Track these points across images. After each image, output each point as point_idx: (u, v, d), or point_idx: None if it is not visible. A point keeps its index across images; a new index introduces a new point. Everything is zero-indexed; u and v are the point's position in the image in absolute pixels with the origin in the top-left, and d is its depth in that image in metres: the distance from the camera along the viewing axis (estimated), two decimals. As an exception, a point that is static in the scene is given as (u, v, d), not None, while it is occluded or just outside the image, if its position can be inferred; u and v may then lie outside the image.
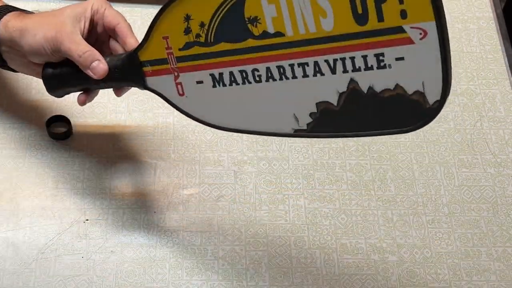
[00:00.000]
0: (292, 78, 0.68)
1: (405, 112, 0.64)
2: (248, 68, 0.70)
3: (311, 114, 0.69)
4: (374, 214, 0.90)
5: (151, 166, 0.91)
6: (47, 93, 0.95)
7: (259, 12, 0.67)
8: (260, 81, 0.70)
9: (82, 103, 0.79)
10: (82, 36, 0.76)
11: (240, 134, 0.94)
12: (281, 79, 0.69)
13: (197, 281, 0.84)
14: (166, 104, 0.94)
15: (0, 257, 0.83)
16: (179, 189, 0.90)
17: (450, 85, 0.62)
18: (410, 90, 0.63)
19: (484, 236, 0.89)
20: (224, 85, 0.72)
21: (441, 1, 0.59)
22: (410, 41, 0.62)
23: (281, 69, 0.69)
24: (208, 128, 0.94)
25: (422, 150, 0.95)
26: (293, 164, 0.93)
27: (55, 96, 0.81)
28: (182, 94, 0.75)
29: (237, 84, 0.71)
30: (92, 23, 0.77)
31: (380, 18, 0.62)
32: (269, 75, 0.69)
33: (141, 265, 0.84)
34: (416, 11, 0.60)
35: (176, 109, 0.76)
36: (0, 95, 0.94)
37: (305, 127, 0.69)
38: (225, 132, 0.94)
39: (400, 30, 0.61)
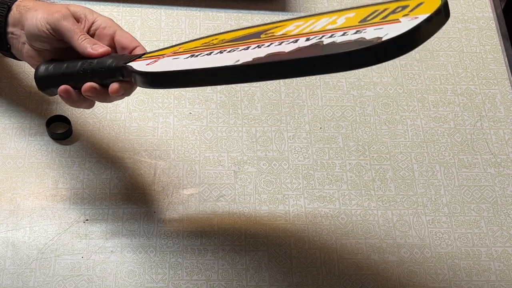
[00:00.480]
0: (266, 47, 0.66)
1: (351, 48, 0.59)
2: (229, 48, 0.69)
3: (254, 59, 0.65)
4: (374, 214, 0.90)
5: (151, 166, 0.91)
6: (47, 93, 0.95)
7: (281, 30, 0.68)
8: (233, 51, 0.68)
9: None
10: None
11: (240, 134, 0.94)
12: (253, 49, 0.67)
13: (197, 281, 0.84)
14: (166, 104, 0.95)
15: (0, 257, 0.83)
16: (179, 189, 0.90)
17: (414, 38, 0.58)
18: (369, 38, 0.60)
19: (484, 236, 0.89)
20: (196, 57, 0.70)
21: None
22: (397, 22, 0.60)
23: (260, 46, 0.67)
24: (208, 128, 0.94)
25: (422, 150, 0.95)
26: (293, 164, 0.93)
27: (48, 94, 0.80)
28: (149, 64, 0.72)
29: (209, 55, 0.70)
30: (91, 33, 0.78)
31: (384, 18, 0.62)
32: (246, 48, 0.68)
33: (141, 265, 0.84)
34: (418, 11, 0.60)
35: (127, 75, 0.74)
36: (0, 95, 0.94)
37: (249, 60, 0.65)
38: (225, 132, 0.94)
39: (396, 20, 0.61)
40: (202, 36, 0.77)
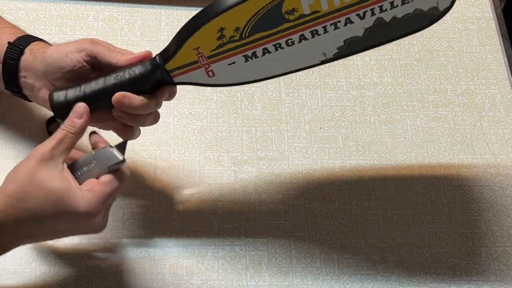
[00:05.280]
0: (324, 33, 0.71)
1: (418, 21, 0.73)
2: (282, 40, 0.72)
3: (338, 47, 0.73)
4: (374, 214, 0.90)
5: (151, 166, 0.91)
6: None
7: (297, 5, 0.69)
8: (293, 44, 0.72)
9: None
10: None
11: (240, 134, 0.94)
12: (313, 37, 0.72)
13: (197, 281, 0.84)
14: (166, 104, 0.94)
15: (0, 257, 0.83)
16: (179, 189, 0.90)
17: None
18: (426, 8, 0.72)
19: (484, 236, 0.89)
20: (256, 57, 0.73)
21: None
22: None
23: (314, 31, 0.71)
24: (208, 127, 0.94)
25: (422, 150, 0.96)
26: (293, 164, 0.93)
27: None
28: (213, 76, 0.75)
29: (270, 53, 0.73)
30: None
31: None
32: (302, 38, 0.72)
33: (141, 265, 0.84)
34: None
35: (204, 86, 0.77)
36: (0, 95, 0.94)
37: (331, 57, 0.74)
38: (225, 132, 0.94)
39: None
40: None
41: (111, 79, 0.74)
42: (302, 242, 0.87)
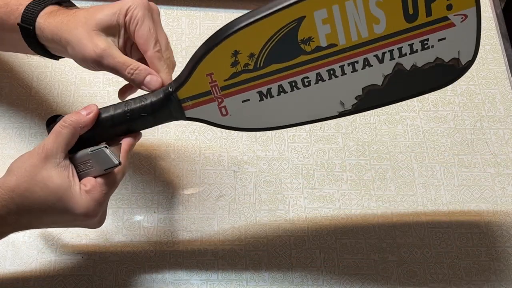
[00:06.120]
0: (342, 75, 0.71)
1: (441, 74, 0.72)
2: (298, 78, 0.71)
3: (356, 97, 0.72)
4: (374, 214, 0.90)
5: (151, 166, 0.91)
6: (47, 92, 0.95)
7: (313, 33, 0.68)
8: (309, 85, 0.71)
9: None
10: (118, 47, 0.73)
11: (240, 134, 0.94)
12: (330, 78, 0.71)
13: (197, 281, 0.84)
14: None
15: (0, 257, 0.83)
16: (179, 189, 0.90)
17: (479, 44, 0.71)
18: (447, 59, 0.71)
19: (484, 236, 0.89)
20: (271, 96, 0.72)
21: None
22: (452, 25, 0.68)
23: (331, 71, 0.70)
24: (208, 128, 0.94)
25: (422, 150, 0.96)
26: (293, 164, 0.93)
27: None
28: (226, 114, 0.73)
29: (285, 92, 0.72)
30: (129, 32, 0.74)
31: (429, 14, 0.67)
32: (319, 78, 0.71)
33: (141, 265, 0.84)
34: (460, 2, 0.67)
35: (217, 127, 0.75)
36: (0, 95, 0.94)
37: (350, 108, 0.73)
38: (225, 132, 0.94)
39: (445, 19, 0.68)
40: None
41: (121, 106, 0.73)
42: (302, 242, 0.87)
